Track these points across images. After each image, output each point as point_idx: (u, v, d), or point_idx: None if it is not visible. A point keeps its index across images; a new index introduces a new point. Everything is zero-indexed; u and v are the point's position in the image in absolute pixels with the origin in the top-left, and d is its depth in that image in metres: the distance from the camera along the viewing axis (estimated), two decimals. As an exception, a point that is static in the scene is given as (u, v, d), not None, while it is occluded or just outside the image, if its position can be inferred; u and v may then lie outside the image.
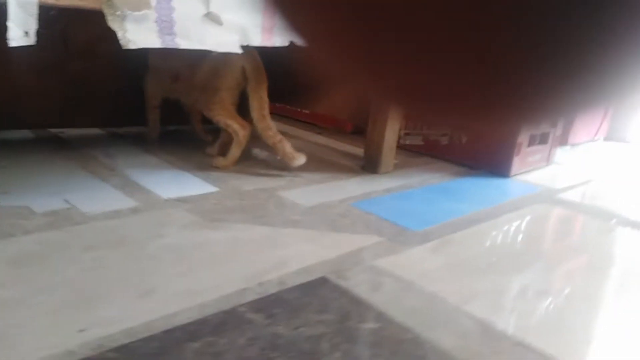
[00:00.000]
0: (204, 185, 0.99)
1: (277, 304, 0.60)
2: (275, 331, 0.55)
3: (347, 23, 0.13)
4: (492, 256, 0.80)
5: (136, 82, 1.23)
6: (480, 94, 0.14)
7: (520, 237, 0.91)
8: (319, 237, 0.80)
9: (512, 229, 0.95)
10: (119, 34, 0.70)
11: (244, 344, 0.52)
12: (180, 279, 0.63)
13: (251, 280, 0.65)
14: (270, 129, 1.07)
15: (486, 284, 0.71)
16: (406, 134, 1.51)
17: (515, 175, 1.34)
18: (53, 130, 1.30)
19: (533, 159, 1.41)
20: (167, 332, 0.53)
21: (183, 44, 0.76)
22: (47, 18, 0.65)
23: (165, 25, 0.73)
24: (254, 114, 1.07)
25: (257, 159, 1.25)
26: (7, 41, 0.61)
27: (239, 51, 0.83)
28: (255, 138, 1.12)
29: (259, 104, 1.07)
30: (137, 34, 0.71)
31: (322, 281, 0.67)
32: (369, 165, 1.23)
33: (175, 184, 0.98)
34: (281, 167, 1.14)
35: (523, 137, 1.31)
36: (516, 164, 1.32)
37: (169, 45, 0.74)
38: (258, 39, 0.84)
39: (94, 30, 1.15)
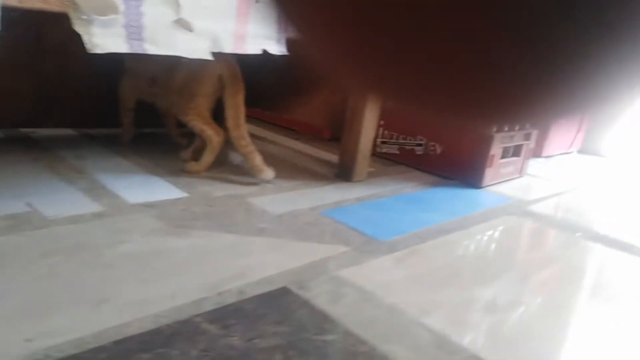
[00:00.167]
0: (173, 190, 0.99)
1: (234, 315, 0.60)
2: (229, 342, 0.55)
3: (345, 20, 0.14)
4: (457, 268, 0.81)
5: (111, 83, 1.21)
6: (480, 93, 0.14)
7: (486, 249, 0.92)
8: (284, 246, 0.80)
9: (479, 240, 0.96)
10: (85, 38, 0.69)
11: (196, 356, 0.52)
12: (137, 288, 0.63)
13: (210, 290, 0.64)
14: (243, 138, 1.07)
15: (447, 296, 0.72)
16: (382, 143, 1.52)
17: (488, 186, 1.36)
18: (24, 130, 1.28)
19: (506, 170, 1.43)
20: (118, 343, 0.52)
21: (152, 49, 0.75)
22: (21, 17, 0.64)
23: (134, 31, 0.73)
24: (229, 121, 1.06)
25: (231, 164, 1.24)
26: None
27: (210, 58, 0.82)
28: (230, 144, 1.12)
29: (235, 112, 1.06)
30: (104, 38, 0.70)
31: (283, 292, 0.67)
32: (343, 173, 1.24)
33: (143, 189, 0.97)
34: (251, 174, 1.14)
35: (496, 149, 1.33)
36: (489, 175, 1.34)
37: (137, 50, 0.74)
38: (230, 46, 0.84)
39: (69, 30, 1.14)
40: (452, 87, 0.15)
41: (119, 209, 0.86)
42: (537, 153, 1.83)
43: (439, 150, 1.40)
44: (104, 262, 0.68)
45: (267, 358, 0.53)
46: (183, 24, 0.78)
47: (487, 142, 1.30)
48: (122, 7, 0.70)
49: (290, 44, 0.97)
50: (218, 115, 1.11)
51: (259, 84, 1.28)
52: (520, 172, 1.52)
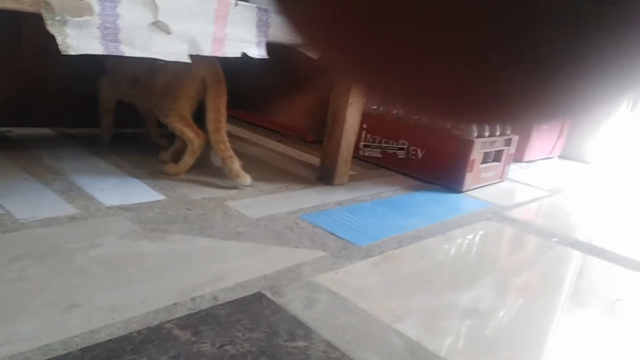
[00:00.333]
0: (151, 192, 0.98)
1: (206, 321, 0.60)
2: (199, 349, 0.54)
3: (348, 23, 0.15)
4: (432, 273, 0.82)
5: (90, 82, 1.20)
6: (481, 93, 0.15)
7: (463, 254, 0.93)
8: (260, 251, 0.80)
9: (457, 245, 0.97)
10: (59, 39, 0.68)
11: (164, 363, 0.51)
12: (108, 293, 0.62)
13: (183, 295, 0.64)
14: (222, 142, 1.06)
15: (421, 302, 0.72)
16: (365, 146, 1.52)
17: (469, 190, 1.37)
18: (0, 128, 1.25)
19: (486, 175, 1.45)
20: (85, 350, 0.51)
21: (127, 51, 0.74)
22: (1, 16, 0.63)
23: (109, 32, 0.72)
24: (210, 125, 1.06)
25: (212, 167, 1.24)
26: None
27: (188, 60, 0.82)
28: (211, 146, 1.11)
29: (216, 115, 1.06)
30: (78, 39, 0.69)
31: (257, 297, 0.66)
32: (324, 176, 1.24)
33: (120, 191, 0.96)
34: (228, 179, 1.13)
35: (477, 154, 1.34)
36: (469, 180, 1.35)
37: (113, 52, 0.73)
38: (208, 49, 0.84)
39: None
40: (444, 86, 0.15)
41: (94, 212, 0.85)
42: (518, 158, 1.86)
43: (420, 155, 1.41)
44: (75, 267, 0.67)
45: (237, 365, 0.53)
46: (160, 26, 0.77)
47: (467, 147, 1.32)
48: (97, 8, 0.69)
49: (272, 47, 0.97)
50: (199, 117, 1.10)
51: (243, 86, 1.28)
52: (501, 177, 1.53)
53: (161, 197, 0.96)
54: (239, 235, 0.84)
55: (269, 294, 0.67)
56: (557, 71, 0.13)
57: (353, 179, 1.31)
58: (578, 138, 2.17)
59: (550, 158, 2.11)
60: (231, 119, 1.08)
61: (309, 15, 0.16)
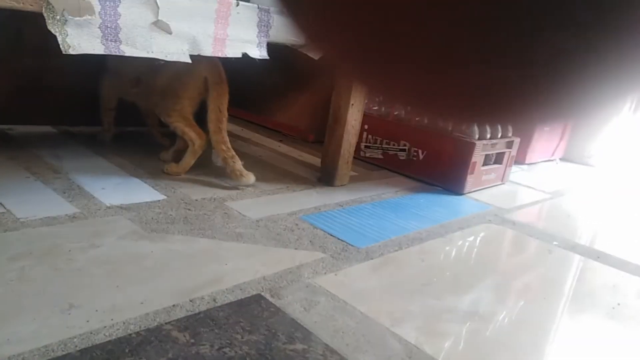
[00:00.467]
0: (151, 192, 0.98)
1: (205, 323, 0.59)
2: (198, 351, 0.54)
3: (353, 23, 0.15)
4: (432, 276, 0.82)
5: (92, 80, 1.20)
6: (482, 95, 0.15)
7: (463, 257, 0.93)
8: (260, 252, 0.80)
9: (457, 248, 0.96)
10: (59, 39, 0.68)
11: (163, 365, 0.51)
12: (108, 294, 0.62)
13: (182, 297, 0.64)
14: (224, 143, 1.06)
15: (420, 305, 0.72)
16: (366, 147, 1.52)
17: (470, 193, 1.37)
18: (1, 126, 1.26)
19: (488, 177, 1.44)
20: (84, 351, 0.51)
21: (128, 51, 0.74)
22: (0, 15, 0.63)
23: (110, 32, 0.72)
24: (211, 125, 1.06)
25: (213, 167, 1.24)
26: None
27: (188, 60, 0.82)
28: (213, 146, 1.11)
29: (217, 116, 1.06)
30: (78, 39, 0.69)
31: (256, 299, 0.66)
32: (325, 177, 1.24)
33: (121, 190, 0.96)
34: (231, 179, 1.13)
35: (478, 156, 1.34)
36: (470, 182, 1.35)
37: (113, 51, 0.73)
38: (209, 49, 0.83)
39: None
40: (446, 86, 0.15)
41: (94, 211, 0.85)
42: (519, 160, 1.85)
43: (421, 156, 1.41)
44: (75, 267, 0.67)
45: (235, 368, 0.53)
46: (161, 26, 0.77)
47: (469, 149, 1.31)
48: (98, 7, 0.69)
49: (273, 47, 0.97)
50: (200, 117, 1.10)
51: (245, 86, 1.28)
52: (502, 179, 1.53)
53: (162, 197, 0.96)
54: (239, 236, 0.84)
55: (268, 296, 0.67)
56: (558, 72, 0.13)
57: (354, 179, 1.30)
58: (580, 140, 2.17)
59: (552, 160, 2.11)
60: (232, 118, 1.08)
61: (312, 15, 0.16)
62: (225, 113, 1.07)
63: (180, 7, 0.78)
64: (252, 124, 1.84)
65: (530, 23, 0.12)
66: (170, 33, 0.78)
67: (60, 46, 0.68)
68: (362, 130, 1.44)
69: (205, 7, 0.81)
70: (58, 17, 0.66)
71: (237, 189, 1.08)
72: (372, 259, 0.84)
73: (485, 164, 1.40)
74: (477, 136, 1.34)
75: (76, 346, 0.52)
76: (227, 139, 1.07)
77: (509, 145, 1.49)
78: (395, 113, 1.48)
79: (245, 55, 0.90)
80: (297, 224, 0.94)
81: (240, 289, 0.68)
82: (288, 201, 1.06)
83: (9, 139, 1.19)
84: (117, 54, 0.73)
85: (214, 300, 0.64)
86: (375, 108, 1.53)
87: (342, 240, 0.89)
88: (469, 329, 0.68)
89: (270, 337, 0.59)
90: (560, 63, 0.13)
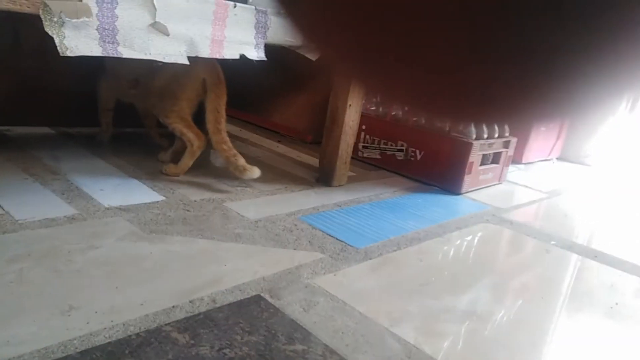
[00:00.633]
0: (150, 193, 0.98)
1: (205, 324, 0.60)
2: (198, 352, 0.55)
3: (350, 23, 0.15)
4: (430, 276, 0.82)
5: (90, 81, 1.20)
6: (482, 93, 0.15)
7: (461, 257, 0.93)
8: (259, 253, 0.80)
9: (455, 248, 0.97)
10: (57, 41, 0.68)
11: (163, 366, 0.52)
12: (107, 295, 0.62)
13: (182, 298, 0.64)
14: (224, 142, 1.06)
15: (419, 305, 0.72)
16: (364, 147, 1.52)
17: (467, 192, 1.38)
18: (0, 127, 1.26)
19: (485, 177, 1.45)
20: (84, 353, 0.52)
21: (126, 52, 0.74)
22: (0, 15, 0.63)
23: (107, 34, 0.72)
24: (209, 126, 1.06)
25: (211, 167, 1.24)
26: None
27: (186, 62, 0.82)
28: (212, 146, 1.11)
29: (215, 117, 1.06)
30: (76, 40, 0.69)
31: (255, 300, 0.66)
32: (323, 177, 1.24)
33: (120, 191, 0.96)
34: (233, 176, 1.13)
35: (475, 156, 1.34)
36: (468, 181, 1.35)
37: (111, 53, 0.73)
38: (207, 51, 0.84)
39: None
40: (443, 85, 0.16)
41: (93, 213, 0.85)
42: (517, 160, 1.86)
43: (419, 156, 1.42)
44: (74, 268, 0.67)
45: (235, 369, 0.53)
46: (159, 28, 0.77)
47: (466, 149, 1.32)
48: (95, 9, 0.69)
49: (271, 49, 0.97)
50: (198, 118, 1.10)
51: (243, 87, 1.28)
52: (500, 179, 1.54)
53: (160, 197, 0.96)
54: (238, 237, 0.84)
55: (267, 297, 0.68)
56: (555, 71, 0.13)
57: (352, 180, 1.31)
58: (577, 140, 2.17)
59: (548, 160, 2.11)
60: (230, 119, 1.08)
61: (310, 15, 0.16)
62: (224, 114, 1.07)
63: (178, 9, 0.78)
64: (250, 125, 1.84)
65: (526, 22, 0.12)
66: (168, 35, 0.78)
67: (58, 48, 0.68)
68: (359, 130, 1.45)
69: (202, 9, 0.81)
70: (55, 19, 0.66)
71: (236, 188, 1.08)
72: (370, 259, 0.85)
73: (482, 163, 1.41)
74: (474, 136, 1.34)
75: (76, 348, 0.52)
76: (227, 138, 1.07)
77: (506, 144, 1.49)
78: (393, 113, 1.49)
79: (242, 56, 0.91)
80: (295, 225, 0.94)
81: (240, 290, 0.68)
82: (286, 202, 1.07)
83: (7, 140, 1.19)
84: (115, 55, 0.73)
85: (214, 301, 0.64)
86: (372, 108, 1.53)
87: (340, 241, 0.90)
88: (467, 328, 0.68)
89: (270, 337, 0.59)
90: (556, 61, 0.13)
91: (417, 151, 1.41)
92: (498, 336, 0.67)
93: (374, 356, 0.59)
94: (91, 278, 0.65)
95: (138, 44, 0.74)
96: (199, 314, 0.61)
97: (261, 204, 1.03)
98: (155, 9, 0.75)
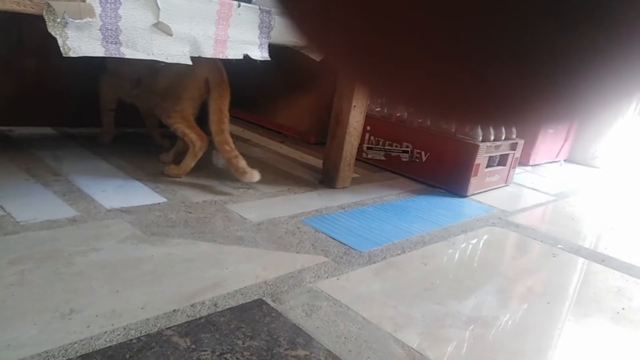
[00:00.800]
0: (152, 195, 0.97)
1: (206, 328, 0.59)
2: (199, 357, 0.54)
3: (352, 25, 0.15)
4: (434, 281, 0.81)
5: (92, 81, 1.19)
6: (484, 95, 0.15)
7: (466, 261, 0.92)
8: (261, 256, 0.79)
9: (459, 252, 0.96)
10: (59, 41, 0.67)
11: (163, 372, 0.51)
12: (108, 299, 0.61)
13: (183, 302, 0.63)
14: (227, 143, 1.05)
15: (423, 310, 0.71)
16: (368, 148, 1.51)
17: (473, 195, 1.36)
18: (1, 128, 1.25)
19: (491, 179, 1.43)
20: (85, 357, 0.51)
21: (129, 53, 0.74)
22: (1, 17, 0.63)
23: (110, 34, 0.71)
24: (212, 126, 1.05)
25: (213, 169, 1.23)
26: None
27: (189, 62, 0.81)
28: (214, 147, 1.10)
29: (218, 117, 1.05)
30: (78, 41, 0.69)
31: (257, 304, 0.66)
32: (327, 179, 1.23)
33: (121, 193, 0.95)
34: (236, 178, 1.13)
35: (481, 158, 1.33)
36: (474, 184, 1.34)
37: (114, 54, 0.72)
38: (210, 51, 0.83)
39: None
40: (449, 87, 0.15)
41: (94, 214, 0.84)
42: (524, 162, 1.84)
43: (424, 158, 1.40)
44: (75, 271, 0.66)
45: (236, 374, 0.52)
46: (162, 28, 0.77)
47: (472, 151, 1.31)
48: (98, 10, 0.69)
49: (275, 49, 0.96)
50: (201, 119, 1.09)
51: (246, 87, 1.27)
52: (506, 181, 1.52)
53: (162, 199, 0.96)
54: (240, 240, 0.84)
55: (269, 301, 0.67)
56: (562, 72, 0.13)
57: (356, 181, 1.30)
58: (585, 142, 2.15)
59: (556, 162, 2.09)
60: (233, 119, 1.08)
61: (313, 16, 0.16)
62: (227, 114, 1.06)
63: (181, 9, 0.77)
64: (253, 125, 1.84)
65: (533, 22, 0.12)
66: (171, 35, 0.78)
67: (61, 49, 0.68)
68: (364, 131, 1.44)
69: (206, 9, 0.80)
70: (59, 20, 0.66)
71: (238, 190, 1.08)
72: (374, 263, 0.84)
73: (488, 165, 1.39)
74: (480, 138, 1.33)
75: (77, 352, 0.51)
76: (229, 139, 1.06)
77: (513, 147, 1.48)
78: (398, 114, 1.48)
79: (246, 56, 0.90)
80: (298, 227, 0.93)
81: (242, 294, 0.67)
82: (289, 204, 1.06)
83: (9, 141, 1.19)
84: (118, 56, 0.72)
85: (215, 305, 0.64)
86: (377, 109, 1.52)
87: (344, 244, 0.89)
88: (472, 333, 0.67)
89: (272, 342, 0.58)
90: (564, 63, 0.13)
91: (423, 153, 1.40)
92: (503, 341, 0.66)
93: (378, 362, 0.58)
94: (92, 281, 0.65)
95: (141, 45, 0.74)
96: (200, 318, 0.61)
97: (263, 206, 1.02)
98: (159, 9, 0.74)
